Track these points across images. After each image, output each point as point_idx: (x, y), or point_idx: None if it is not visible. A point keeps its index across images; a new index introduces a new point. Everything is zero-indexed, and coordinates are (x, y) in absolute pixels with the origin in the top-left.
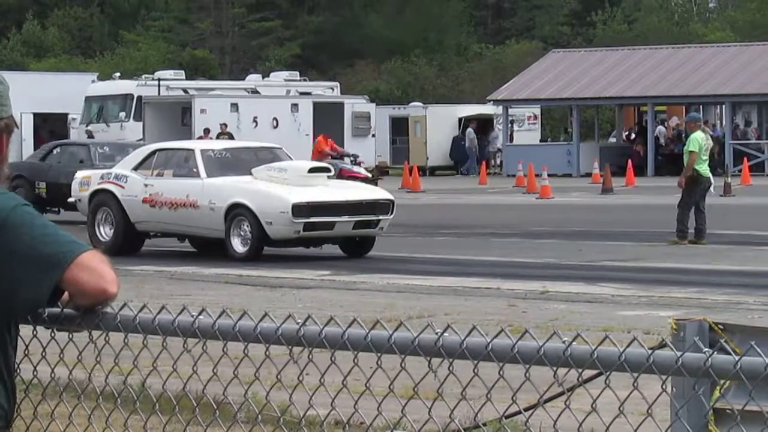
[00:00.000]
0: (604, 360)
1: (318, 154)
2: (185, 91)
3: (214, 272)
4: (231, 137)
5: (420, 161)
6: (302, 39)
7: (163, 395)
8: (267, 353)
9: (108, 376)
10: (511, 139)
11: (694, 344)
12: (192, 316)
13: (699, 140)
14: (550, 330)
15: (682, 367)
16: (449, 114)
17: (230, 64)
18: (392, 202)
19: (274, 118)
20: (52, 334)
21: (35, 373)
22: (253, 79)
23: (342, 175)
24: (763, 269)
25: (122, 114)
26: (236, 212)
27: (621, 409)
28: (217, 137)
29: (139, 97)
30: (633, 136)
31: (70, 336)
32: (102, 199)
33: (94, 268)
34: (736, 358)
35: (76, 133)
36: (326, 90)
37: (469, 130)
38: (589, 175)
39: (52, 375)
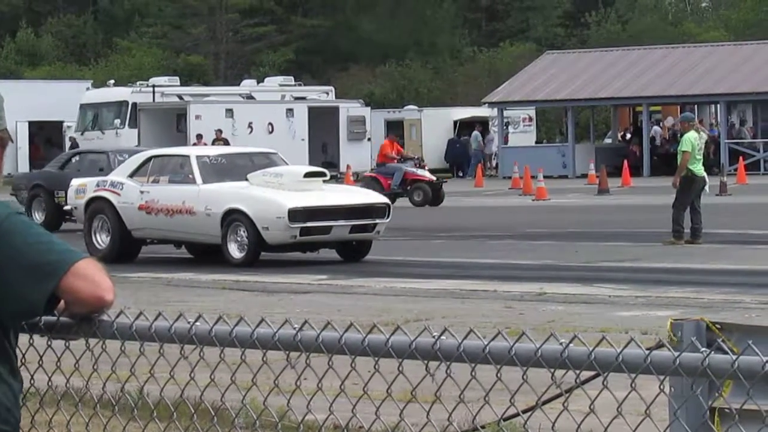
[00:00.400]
0: (601, 361)
1: (382, 158)
2: (180, 97)
3: (211, 278)
4: (226, 143)
5: None
6: (296, 44)
7: (161, 402)
8: (264, 359)
9: (105, 384)
10: (507, 141)
11: (692, 344)
12: (189, 322)
13: (692, 140)
14: (547, 331)
15: (679, 368)
16: (444, 117)
17: (225, 70)
18: (388, 205)
19: (270, 124)
20: (49, 343)
21: (32, 381)
22: (248, 85)
23: (406, 178)
24: (760, 268)
25: (117, 121)
26: (233, 218)
27: (619, 409)
28: (213, 143)
29: (134, 104)
30: (628, 136)
31: (67, 344)
32: (98, 206)
33: (89, 276)
34: (734, 357)
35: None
36: (321, 94)
37: (476, 133)
38: (584, 176)
39: (50, 383)
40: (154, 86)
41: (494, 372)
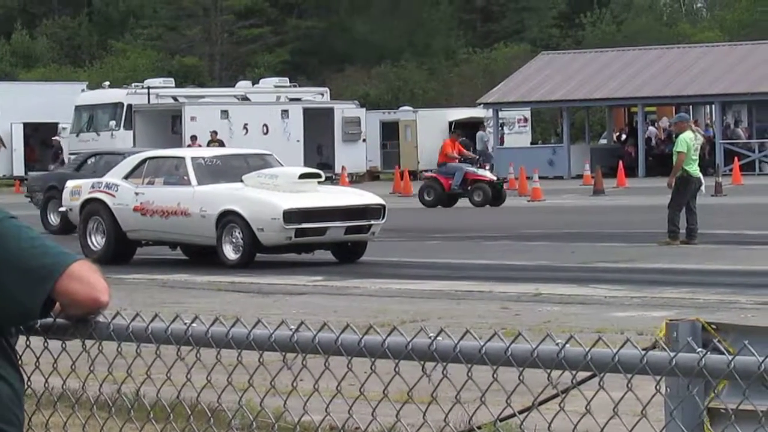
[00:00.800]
0: (597, 361)
1: (443, 157)
2: (175, 99)
3: (207, 280)
4: (221, 144)
5: (411, 165)
6: (291, 45)
7: (157, 403)
8: (261, 360)
9: (102, 385)
10: (502, 142)
11: (688, 344)
12: (185, 323)
13: (687, 141)
14: (543, 332)
15: (675, 368)
16: (439, 118)
17: (220, 71)
18: (384, 206)
19: (265, 125)
20: (45, 344)
21: (29, 383)
22: (243, 86)
23: (466, 178)
24: (756, 268)
25: (112, 123)
26: (228, 219)
27: (615, 410)
28: (208, 144)
29: (129, 106)
30: (623, 137)
31: (63, 345)
32: (93, 208)
33: (84, 278)
34: (730, 357)
35: (66, 143)
36: (316, 96)
37: (481, 133)
38: (580, 177)
39: (46, 385)
40: (149, 88)
41: (490, 372)
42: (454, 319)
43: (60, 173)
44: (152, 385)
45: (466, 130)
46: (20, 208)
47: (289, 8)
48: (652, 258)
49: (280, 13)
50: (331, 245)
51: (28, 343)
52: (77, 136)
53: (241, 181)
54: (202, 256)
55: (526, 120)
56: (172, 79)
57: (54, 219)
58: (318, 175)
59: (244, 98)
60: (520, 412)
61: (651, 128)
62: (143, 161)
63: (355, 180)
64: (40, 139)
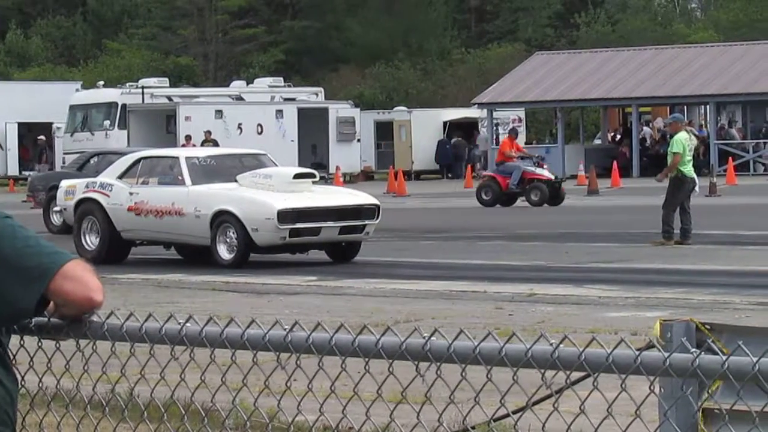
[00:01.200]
0: (591, 362)
1: (501, 156)
2: (169, 98)
3: (201, 279)
4: (216, 144)
5: (405, 165)
6: (286, 45)
7: (151, 403)
8: (254, 360)
9: (96, 385)
10: (497, 142)
11: (682, 345)
12: (179, 323)
13: (683, 141)
14: (537, 332)
15: (669, 368)
16: (434, 118)
17: (214, 71)
18: (378, 206)
19: (259, 125)
20: (39, 344)
21: (23, 382)
22: (238, 86)
23: (524, 177)
24: (750, 269)
25: (107, 122)
26: (222, 219)
27: (609, 410)
28: (202, 144)
29: (124, 105)
30: (618, 137)
31: (57, 345)
32: (87, 208)
33: (78, 277)
34: (724, 357)
35: (61, 142)
36: (310, 95)
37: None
38: (574, 177)
39: (40, 384)
40: (143, 87)
41: (484, 373)
42: (448, 319)
43: (62, 173)
44: (146, 385)
45: (461, 130)
46: (16, 208)
47: (284, 8)
48: (646, 258)
49: (274, 12)
50: (325, 245)
51: (22, 342)
52: (71, 135)
53: (236, 181)
54: (196, 256)
55: (520, 120)
56: (167, 79)
57: (56, 219)
58: (312, 175)
59: (239, 98)
60: (514, 413)
61: (645, 128)
62: (137, 161)
63: (350, 180)
64: (34, 138)
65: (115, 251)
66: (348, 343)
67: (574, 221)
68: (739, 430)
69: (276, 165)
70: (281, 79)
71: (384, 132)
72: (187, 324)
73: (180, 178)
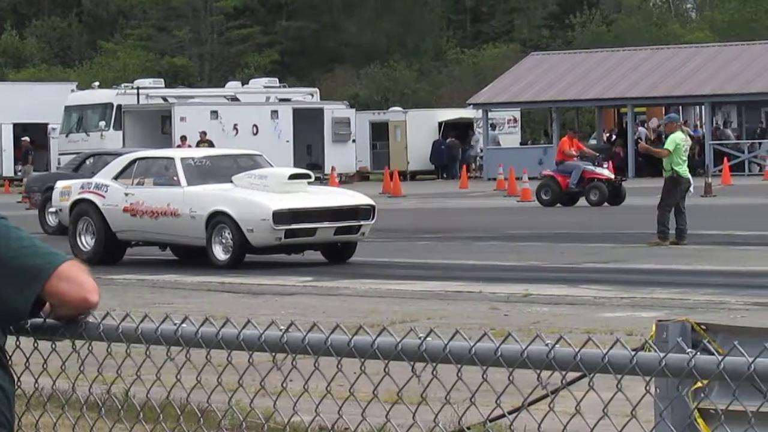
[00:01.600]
0: (587, 362)
1: (561, 155)
2: (165, 99)
3: (197, 280)
4: (211, 145)
5: (400, 166)
6: (281, 45)
7: (147, 404)
8: (250, 360)
9: (92, 386)
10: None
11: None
12: (175, 324)
13: (677, 141)
14: (532, 333)
15: (665, 368)
16: (429, 118)
17: (209, 72)
18: (373, 207)
19: (254, 125)
20: (35, 344)
21: (19, 383)
22: (233, 87)
23: (583, 177)
24: (745, 269)
25: (102, 123)
26: (217, 220)
27: (605, 410)
28: (197, 145)
29: (119, 106)
30: (613, 137)
31: (53, 346)
32: (83, 208)
33: (74, 278)
34: (719, 358)
35: (56, 143)
36: (306, 96)
37: (492, 133)
38: None
39: (36, 385)
40: (138, 88)
41: (480, 373)
42: (443, 319)
43: (58, 174)
44: (142, 386)
45: (457, 131)
46: (11, 209)
47: (279, 8)
48: (641, 258)
49: (269, 13)
50: (320, 246)
51: (18, 343)
52: (67, 136)
53: (231, 181)
54: (191, 257)
55: (515, 120)
56: (162, 80)
57: (52, 220)
58: (308, 176)
59: (234, 99)
60: (510, 413)
61: (641, 129)
62: (133, 162)
63: (345, 180)
64: (30, 139)
65: (110, 252)
66: (344, 344)
67: (569, 222)
68: (735, 430)
69: (271, 166)
70: (276, 79)
71: (379, 132)
72: (183, 325)
73: (175, 178)
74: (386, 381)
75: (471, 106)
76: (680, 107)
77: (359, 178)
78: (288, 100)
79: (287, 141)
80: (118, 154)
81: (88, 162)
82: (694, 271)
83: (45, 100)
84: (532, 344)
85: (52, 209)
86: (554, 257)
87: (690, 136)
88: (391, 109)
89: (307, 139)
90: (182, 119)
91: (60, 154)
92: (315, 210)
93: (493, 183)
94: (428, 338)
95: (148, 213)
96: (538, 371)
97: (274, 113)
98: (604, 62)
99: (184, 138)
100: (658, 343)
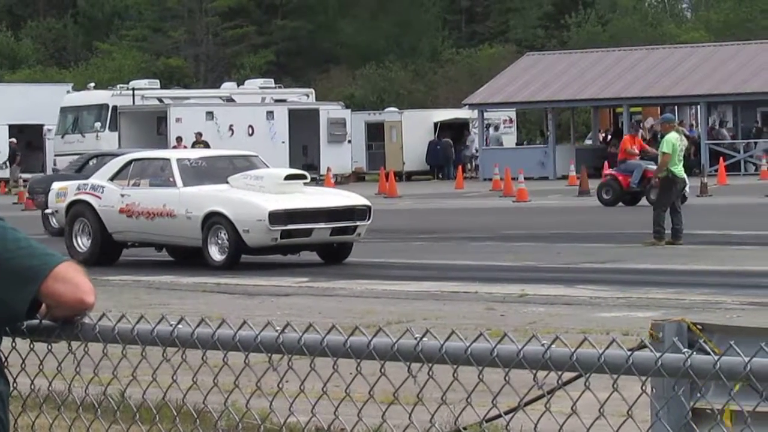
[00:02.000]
0: (583, 362)
1: (623, 154)
2: (160, 100)
3: (192, 281)
4: (207, 146)
5: (396, 166)
6: (276, 46)
7: (143, 405)
8: (246, 361)
9: (88, 387)
10: (487, 143)
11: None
12: (171, 325)
13: (673, 141)
14: (529, 333)
15: (661, 368)
16: (425, 119)
17: (205, 73)
18: (369, 207)
19: (250, 126)
20: (31, 346)
21: (15, 384)
22: (228, 87)
23: (645, 175)
24: (741, 269)
25: (98, 124)
26: (213, 221)
27: (601, 410)
28: (193, 146)
29: (115, 107)
30: (609, 137)
31: (49, 347)
32: (79, 209)
33: (70, 279)
34: (716, 357)
35: (52, 144)
36: (301, 97)
37: (495, 133)
38: (565, 177)
39: (32, 386)
40: (134, 89)
41: (476, 373)
42: (439, 320)
43: (62, 175)
44: (138, 387)
45: (453, 131)
46: (8, 210)
47: (274, 9)
48: (637, 258)
49: (264, 14)
50: (316, 246)
51: (14, 344)
52: (62, 137)
53: (227, 182)
54: (187, 258)
55: (511, 121)
56: (158, 81)
57: (55, 221)
58: (303, 177)
59: (230, 99)
60: (506, 413)
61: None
62: (129, 163)
63: (341, 181)
64: (25, 140)
65: (106, 253)
66: (340, 344)
67: (565, 222)
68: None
69: (267, 166)
70: (272, 80)
71: (375, 133)
72: (179, 326)
73: (171, 179)
74: (382, 381)
75: (467, 106)
76: (676, 107)
77: (355, 178)
78: (283, 100)
79: (283, 142)
80: (120, 155)
81: (90, 163)
82: (690, 270)
83: (40, 102)
84: (528, 344)
85: (48, 211)
86: (550, 257)
87: (686, 136)
88: (386, 109)
89: (303, 139)
90: (178, 120)
91: (56, 155)
92: (311, 210)
93: (489, 183)
94: (424, 339)
95: (144, 214)
96: (535, 371)
97: (270, 114)
98: (599, 62)
99: (179, 139)
100: (654, 343)
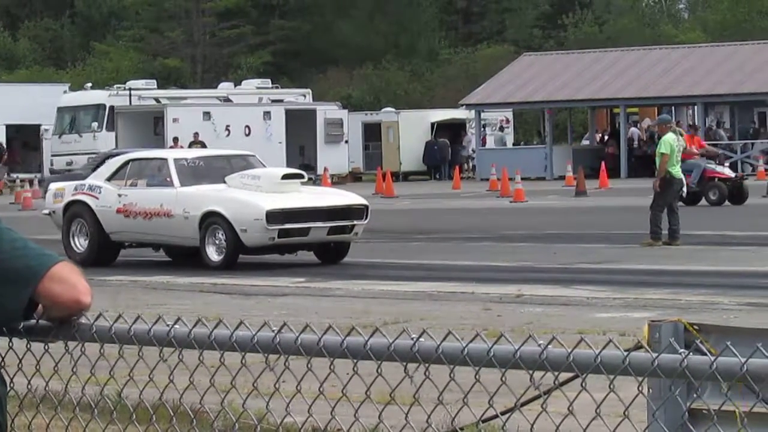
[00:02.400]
0: (580, 362)
1: (682, 154)
2: (157, 100)
3: (189, 281)
4: (203, 146)
5: (393, 167)
6: (273, 46)
7: (140, 405)
8: (243, 361)
9: (84, 387)
10: (484, 143)
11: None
12: (168, 325)
13: (671, 142)
14: (525, 333)
15: (658, 369)
16: (421, 119)
17: (202, 73)
18: (366, 207)
19: (247, 126)
20: (28, 346)
21: (12, 384)
22: (225, 88)
23: (704, 175)
24: (738, 269)
25: (95, 124)
26: (210, 220)
27: (598, 411)
28: (190, 146)
29: (111, 107)
30: (606, 138)
31: (46, 347)
32: (76, 210)
33: (66, 279)
34: (712, 358)
35: (49, 144)
36: (298, 97)
37: (500, 134)
38: (562, 177)
39: (29, 386)
40: (131, 89)
41: (473, 374)
42: (436, 320)
43: (77, 174)
44: (135, 387)
45: (450, 131)
46: (5, 210)
47: (271, 9)
48: (634, 259)
49: (261, 14)
50: (313, 246)
51: (10, 344)
52: (60, 137)
53: (224, 182)
54: (185, 258)
55: (508, 121)
56: (155, 81)
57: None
58: (300, 176)
59: (227, 100)
60: (503, 413)
61: (633, 129)
62: (126, 163)
63: (338, 181)
64: (22, 140)
65: (104, 253)
66: (336, 345)
67: (562, 222)
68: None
69: (264, 166)
70: (269, 80)
71: (372, 133)
72: (176, 326)
73: (168, 179)
74: (379, 382)
75: (463, 106)
76: (673, 108)
77: (352, 178)
78: (280, 101)
79: (280, 142)
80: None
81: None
82: (687, 271)
83: (37, 102)
84: (525, 345)
85: (45, 211)
86: (547, 258)
87: (683, 136)
88: (383, 109)
89: (300, 139)
90: (175, 120)
91: (53, 156)
92: (308, 210)
93: (486, 183)
94: (421, 339)
95: (141, 214)
96: (531, 372)
97: (267, 114)
98: (596, 63)
99: (176, 139)
100: (651, 343)
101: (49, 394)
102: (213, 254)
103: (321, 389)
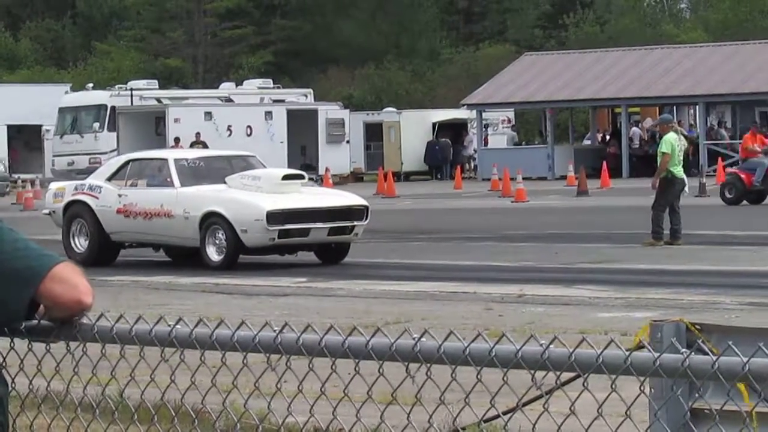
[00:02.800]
0: (581, 362)
1: (744, 152)
2: (158, 100)
3: (190, 281)
4: (205, 146)
5: (395, 167)
6: (275, 46)
7: (141, 405)
8: (245, 361)
9: (86, 387)
10: (486, 143)
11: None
12: (169, 325)
13: (672, 142)
14: (527, 333)
15: (660, 368)
16: (423, 119)
17: (203, 73)
18: (367, 207)
19: (248, 126)
20: (30, 346)
21: (13, 385)
22: (227, 88)
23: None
24: (739, 269)
25: (96, 124)
26: (211, 221)
27: (599, 411)
28: (191, 146)
29: (113, 108)
30: (607, 137)
31: (48, 347)
32: (76, 210)
33: (67, 279)
34: (714, 358)
35: (50, 145)
36: (300, 97)
37: (512, 133)
38: (564, 177)
39: (30, 387)
40: (132, 90)
41: (474, 374)
42: (437, 320)
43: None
44: (136, 387)
45: (451, 131)
46: (4, 210)
47: (272, 9)
48: (636, 259)
49: (263, 14)
50: (314, 246)
51: (12, 345)
52: (61, 138)
53: (224, 182)
54: (185, 258)
55: (509, 121)
56: (156, 81)
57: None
58: (301, 177)
59: (228, 100)
60: (505, 413)
61: (635, 129)
62: (126, 163)
63: (339, 181)
64: (23, 141)
65: (104, 253)
66: (338, 345)
67: (564, 222)
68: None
69: (265, 167)
70: (270, 80)
71: (373, 133)
72: (177, 326)
73: (169, 179)
74: (380, 382)
75: (465, 106)
76: (674, 107)
77: (353, 178)
78: (282, 101)
79: (281, 142)
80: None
81: None
82: (689, 271)
83: (39, 102)
84: (527, 345)
85: (45, 211)
86: (549, 257)
87: (684, 136)
88: (385, 109)
89: (301, 140)
90: (176, 120)
91: (54, 156)
92: (308, 210)
93: (488, 183)
94: (422, 339)
95: (141, 214)
96: (533, 372)
97: (268, 114)
98: (597, 62)
99: (177, 139)
100: (652, 343)
101: (51, 395)
102: (213, 254)
103: (323, 389)
